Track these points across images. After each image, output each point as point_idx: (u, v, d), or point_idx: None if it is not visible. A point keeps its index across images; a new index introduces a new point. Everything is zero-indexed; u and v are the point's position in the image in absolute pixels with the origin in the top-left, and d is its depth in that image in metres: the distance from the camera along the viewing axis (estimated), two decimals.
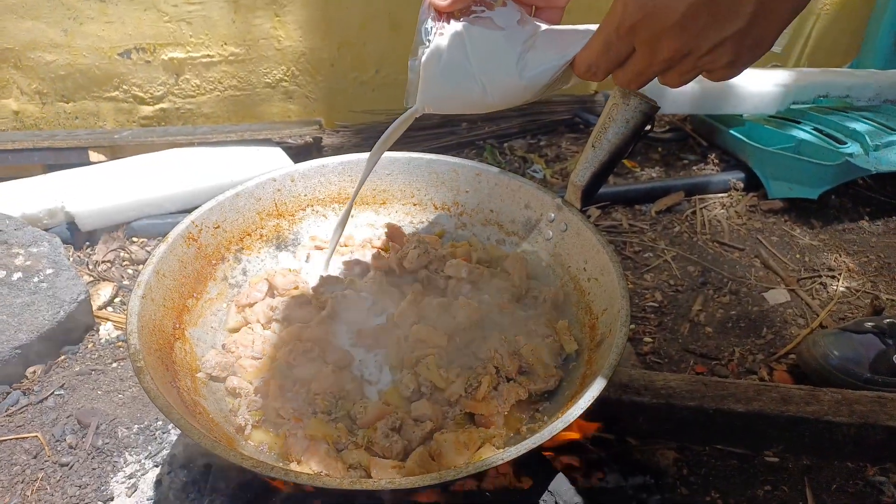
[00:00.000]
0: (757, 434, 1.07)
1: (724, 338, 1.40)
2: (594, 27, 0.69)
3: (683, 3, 0.57)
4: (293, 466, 0.80)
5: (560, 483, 0.93)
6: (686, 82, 0.67)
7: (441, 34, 0.76)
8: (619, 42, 0.64)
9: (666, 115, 2.18)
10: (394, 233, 1.14)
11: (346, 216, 1.02)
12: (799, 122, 1.89)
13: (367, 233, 1.17)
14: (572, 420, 0.71)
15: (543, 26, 0.76)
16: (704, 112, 1.98)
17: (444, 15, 0.76)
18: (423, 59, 0.78)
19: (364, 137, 1.94)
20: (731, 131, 1.92)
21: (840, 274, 1.58)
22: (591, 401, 0.73)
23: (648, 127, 0.91)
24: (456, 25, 0.75)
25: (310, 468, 0.79)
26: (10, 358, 1.18)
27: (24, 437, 1.11)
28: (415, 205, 1.18)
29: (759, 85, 1.88)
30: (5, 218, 1.37)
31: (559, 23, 0.79)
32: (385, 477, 0.77)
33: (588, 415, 0.72)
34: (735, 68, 0.63)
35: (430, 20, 0.76)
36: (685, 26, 0.58)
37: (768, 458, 1.14)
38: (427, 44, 0.77)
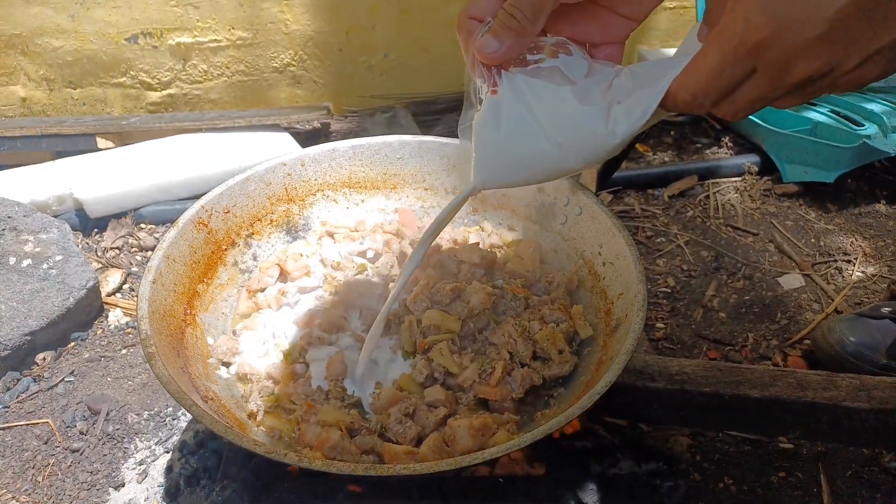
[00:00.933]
0: (773, 420, 1.05)
1: (738, 323, 1.38)
2: (684, 56, 0.55)
3: (829, 11, 0.45)
4: (306, 452, 0.79)
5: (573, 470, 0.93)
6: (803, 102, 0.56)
7: (494, 92, 0.61)
8: (736, 65, 0.51)
9: None
10: (405, 217, 1.13)
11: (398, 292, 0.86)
12: (815, 104, 1.86)
13: (378, 217, 1.15)
14: (588, 406, 0.70)
15: (617, 69, 0.62)
16: None
17: (495, 69, 0.61)
18: (476, 125, 0.64)
19: (374, 122, 1.92)
20: None
21: (856, 258, 1.56)
22: (608, 386, 0.72)
23: None
24: (513, 80, 0.60)
25: (323, 454, 0.78)
26: (20, 344, 1.18)
27: (34, 424, 1.11)
28: (426, 189, 1.17)
29: None
30: (14, 204, 1.37)
31: (620, 60, 0.65)
32: (399, 463, 0.76)
33: (602, 401, 0.71)
34: (878, 80, 0.52)
35: (477, 79, 0.62)
36: (831, 39, 0.47)
37: (782, 444, 1.13)
38: (477, 105, 0.64)
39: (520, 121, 0.61)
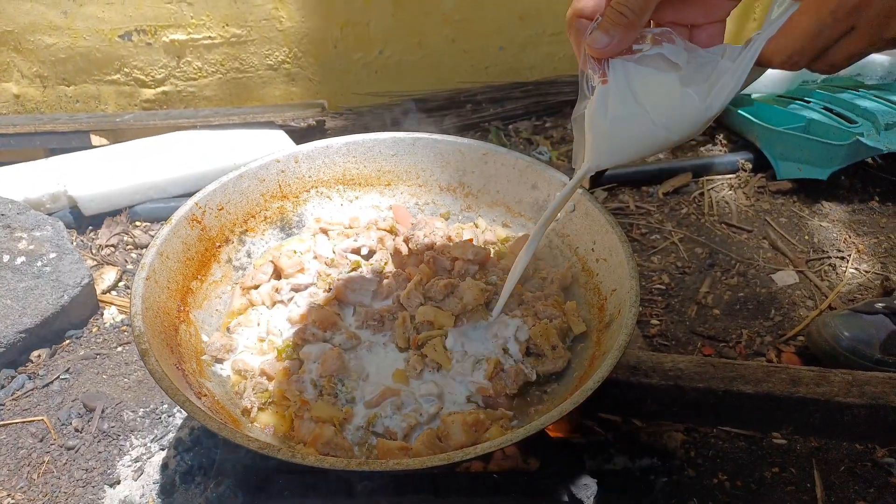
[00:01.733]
0: (766, 415, 1.06)
1: (732, 320, 1.39)
2: (775, 22, 0.59)
3: None
4: (300, 448, 0.79)
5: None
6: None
7: (604, 82, 0.66)
8: (834, 25, 0.54)
9: None
10: (400, 214, 1.13)
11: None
12: (808, 102, 1.87)
13: (372, 214, 1.15)
14: (581, 401, 0.70)
15: (721, 50, 0.65)
16: None
17: (605, 61, 0.65)
18: (588, 113, 0.69)
19: (369, 120, 1.92)
20: (739, 111, 1.90)
21: (849, 255, 1.56)
22: (601, 381, 0.72)
23: None
24: (620, 69, 0.65)
25: (316, 450, 0.78)
26: (15, 342, 1.18)
27: (30, 421, 1.11)
28: (420, 186, 1.17)
29: None
30: (8, 202, 1.36)
31: (723, 38, 0.68)
32: (392, 458, 0.76)
33: (595, 396, 0.71)
34: None
35: (589, 70, 0.66)
36: None
37: (776, 439, 1.14)
38: (589, 95, 0.68)
39: (626, 106, 0.66)
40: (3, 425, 1.10)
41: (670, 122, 0.66)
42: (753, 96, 1.92)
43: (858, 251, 1.58)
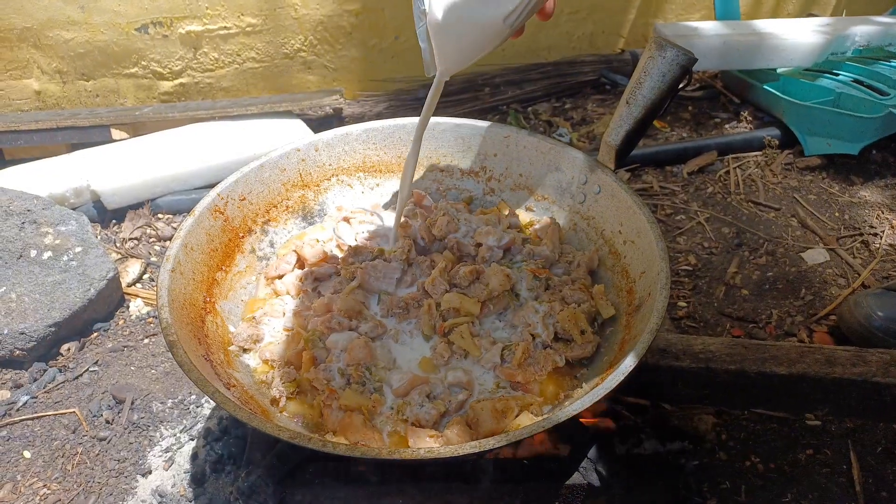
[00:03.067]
0: (800, 397, 1.04)
1: (761, 300, 1.36)
2: None
3: None
4: (330, 437, 0.79)
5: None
6: None
7: None
8: None
9: (696, 72, 2.11)
10: (421, 200, 1.12)
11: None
12: (837, 75, 1.81)
13: (393, 201, 1.14)
14: (613, 386, 0.69)
15: None
16: (736, 67, 1.91)
17: None
18: (428, 17, 0.77)
19: (386, 107, 1.90)
20: (765, 86, 1.85)
21: (883, 231, 1.52)
22: (633, 366, 0.70)
23: (686, 80, 0.87)
24: None
25: (346, 439, 0.78)
26: (45, 335, 1.20)
27: (62, 413, 1.13)
28: (441, 171, 1.16)
29: (793, 36, 1.79)
30: (33, 198, 1.37)
31: None
32: (423, 446, 0.76)
33: (625, 382, 0.70)
34: None
35: None
36: None
37: (810, 421, 1.11)
38: (424, 6, 0.76)
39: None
40: (37, 417, 1.12)
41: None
42: (779, 70, 1.87)
43: (892, 227, 1.53)
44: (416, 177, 1.16)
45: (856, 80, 1.76)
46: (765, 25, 1.85)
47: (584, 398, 0.68)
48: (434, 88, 0.91)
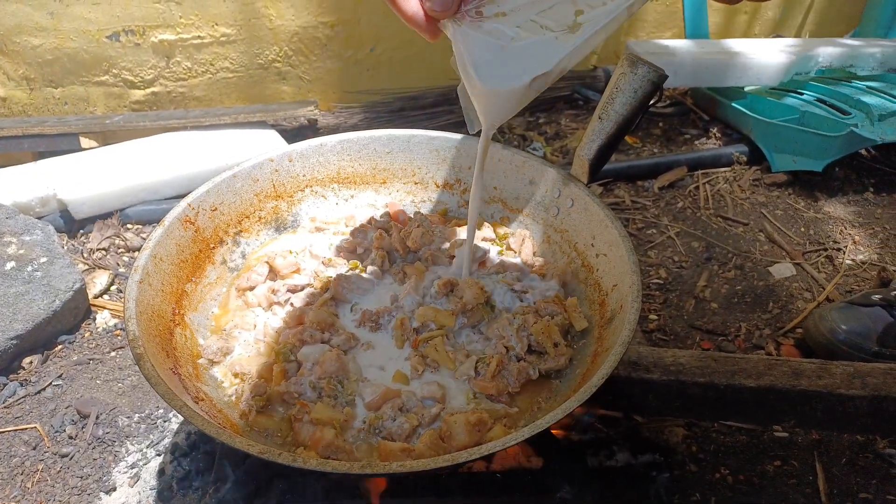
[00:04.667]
0: (768, 409, 1.05)
1: (730, 313, 1.38)
2: None
3: None
4: (300, 452, 0.78)
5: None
6: None
7: (455, 41, 0.69)
8: None
9: (667, 89, 2.15)
10: (396, 212, 1.12)
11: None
12: (802, 94, 1.86)
13: (368, 213, 1.14)
14: (585, 399, 0.69)
15: None
16: (705, 85, 1.95)
17: (447, 22, 0.69)
18: (469, 85, 0.73)
19: (362, 118, 1.90)
20: (733, 104, 1.89)
21: (846, 246, 1.56)
22: (604, 378, 0.71)
23: (657, 97, 0.89)
24: (461, 30, 0.68)
25: (317, 453, 0.77)
26: (6, 348, 1.16)
27: (23, 429, 1.09)
28: (416, 183, 1.16)
29: (760, 56, 1.85)
30: None
31: None
32: (395, 460, 0.75)
33: (596, 393, 0.70)
34: None
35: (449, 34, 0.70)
36: None
37: (777, 433, 1.13)
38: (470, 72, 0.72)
39: (485, 58, 0.69)
40: None
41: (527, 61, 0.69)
42: (747, 89, 1.92)
43: (854, 242, 1.58)
44: (391, 189, 1.16)
45: (819, 100, 1.81)
46: (733, 45, 1.90)
47: (557, 410, 0.69)
48: (483, 142, 0.87)
